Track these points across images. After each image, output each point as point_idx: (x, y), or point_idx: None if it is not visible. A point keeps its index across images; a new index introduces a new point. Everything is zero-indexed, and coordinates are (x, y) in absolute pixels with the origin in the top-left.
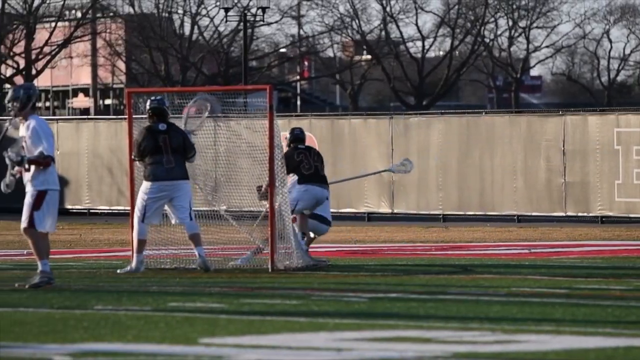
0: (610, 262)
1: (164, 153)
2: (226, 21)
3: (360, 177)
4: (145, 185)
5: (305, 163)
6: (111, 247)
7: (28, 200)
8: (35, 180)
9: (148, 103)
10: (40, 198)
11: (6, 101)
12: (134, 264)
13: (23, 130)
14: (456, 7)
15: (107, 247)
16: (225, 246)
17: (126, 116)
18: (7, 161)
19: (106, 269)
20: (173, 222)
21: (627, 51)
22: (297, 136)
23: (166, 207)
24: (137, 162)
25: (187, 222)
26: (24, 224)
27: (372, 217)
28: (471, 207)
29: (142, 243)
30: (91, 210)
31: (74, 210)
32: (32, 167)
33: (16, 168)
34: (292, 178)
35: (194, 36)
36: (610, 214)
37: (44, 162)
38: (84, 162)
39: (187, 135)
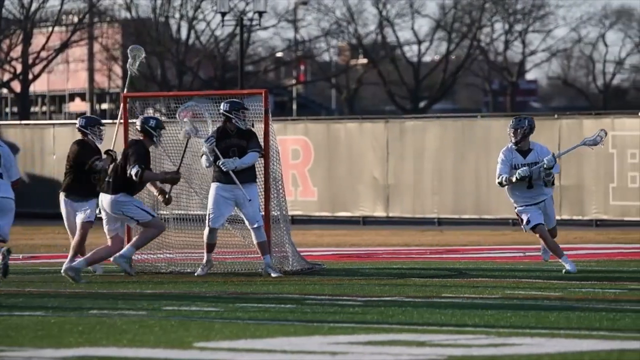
0: (604, 266)
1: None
2: (223, 25)
3: (569, 151)
4: None
5: None
6: None
7: None
8: None
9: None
10: None
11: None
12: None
13: None
14: (452, 10)
15: None
16: (220, 250)
17: (122, 120)
18: None
19: (101, 275)
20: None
21: (623, 55)
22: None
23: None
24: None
25: None
26: None
27: (367, 221)
28: (466, 211)
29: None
30: None
31: None
32: None
33: None
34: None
35: (191, 40)
36: (605, 217)
37: None
38: None
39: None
